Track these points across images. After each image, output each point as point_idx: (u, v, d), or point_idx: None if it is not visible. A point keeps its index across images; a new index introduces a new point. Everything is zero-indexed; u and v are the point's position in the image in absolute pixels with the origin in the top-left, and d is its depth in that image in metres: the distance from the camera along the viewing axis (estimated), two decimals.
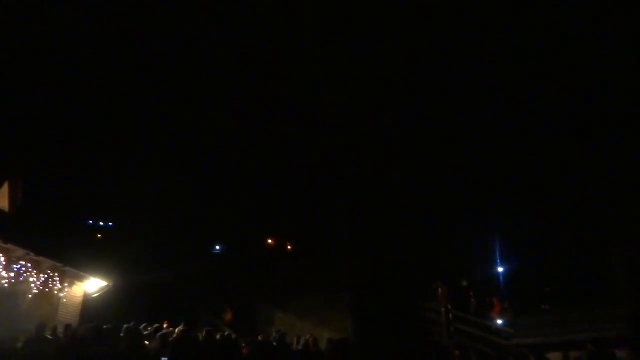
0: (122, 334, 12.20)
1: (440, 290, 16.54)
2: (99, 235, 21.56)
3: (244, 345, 12.84)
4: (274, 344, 12.54)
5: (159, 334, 11.55)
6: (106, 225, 22.39)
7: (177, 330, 11.67)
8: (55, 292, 14.80)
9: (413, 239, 3.29)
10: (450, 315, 15.66)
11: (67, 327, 12.13)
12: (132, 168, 18.17)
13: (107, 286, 16.30)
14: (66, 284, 15.28)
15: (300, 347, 13.66)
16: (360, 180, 3.29)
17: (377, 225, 3.14)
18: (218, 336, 12.83)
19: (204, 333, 12.59)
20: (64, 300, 15.33)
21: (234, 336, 14.36)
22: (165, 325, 13.11)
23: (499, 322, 15.17)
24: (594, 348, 10.29)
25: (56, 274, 14.69)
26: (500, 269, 19.20)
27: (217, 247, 24.49)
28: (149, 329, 12.75)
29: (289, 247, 25.55)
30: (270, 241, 26.06)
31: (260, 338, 12.55)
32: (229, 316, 20.14)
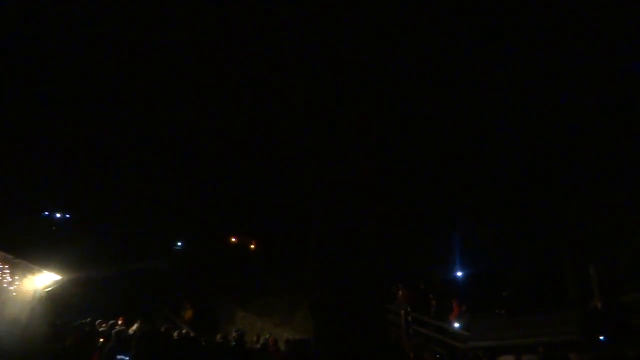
0: (75, 330, 11.83)
1: (400, 292, 16.78)
2: (53, 228, 20.78)
3: (202, 344, 12.68)
4: (233, 343, 12.45)
5: (114, 331, 11.26)
6: (63, 217, 21.61)
7: (135, 327, 11.38)
8: (5, 286, 14.18)
9: (377, 240, 3.32)
10: (409, 318, 15.92)
11: (17, 322, 11.67)
12: (92, 159, 17.61)
13: (61, 280, 15.73)
14: (17, 277, 14.66)
15: (259, 347, 13.60)
16: (327, 181, 3.29)
17: (342, 226, 3.15)
18: (175, 334, 12.63)
19: (162, 330, 12.37)
20: (14, 294, 14.70)
21: (192, 335, 14.15)
22: (120, 322, 12.78)
23: (456, 325, 15.48)
24: (544, 351, 10.65)
25: (6, 267, 14.08)
26: (460, 273, 19.61)
27: (179, 244, 24.04)
28: (104, 325, 12.41)
29: (253, 246, 25.36)
30: (233, 239, 25.80)
31: (218, 337, 12.39)
32: (188, 314, 19.82)
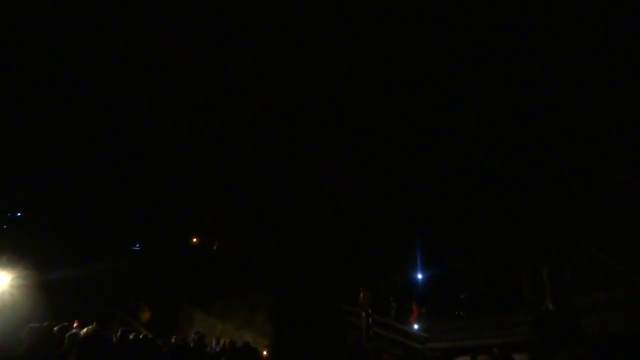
0: (25, 335, 11.31)
1: (361, 294, 16.94)
2: (4, 226, 19.86)
3: (160, 346, 12.39)
4: (191, 345, 12.22)
5: (67, 334, 10.86)
6: (13, 215, 20.68)
7: (85, 330, 11.00)
8: None
9: (336, 244, 3.33)
10: (370, 320, 16.11)
11: None
12: (45, 156, 16.94)
13: (10, 280, 15.03)
14: None
15: (218, 350, 13.42)
16: (284, 184, 3.28)
17: (300, 229, 3.15)
18: (131, 336, 12.28)
19: (118, 333, 12.00)
20: None
21: (148, 336, 13.82)
22: (75, 325, 12.32)
23: (416, 326, 15.76)
24: (497, 352, 10.96)
25: None
26: (420, 276, 19.97)
27: (138, 245, 23.43)
28: (55, 328, 11.94)
29: (215, 247, 25.01)
30: (195, 240, 25.37)
31: (173, 339, 12.14)
32: (146, 316, 19.34)
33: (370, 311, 16.40)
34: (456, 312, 17.18)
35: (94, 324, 11.02)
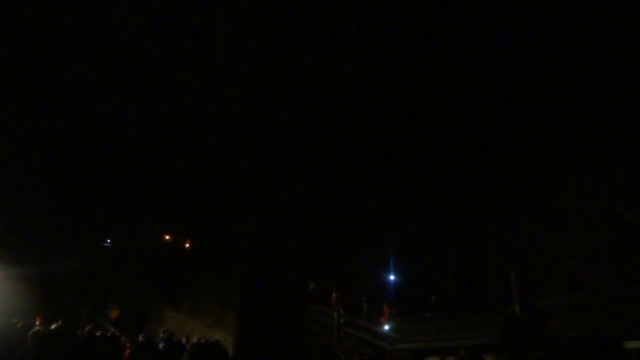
0: None
1: (334, 295, 17.03)
2: None
3: (127, 344, 12.18)
4: (161, 343, 12.06)
5: (30, 332, 10.58)
6: None
7: (50, 328, 10.75)
8: None
9: (304, 244, 3.32)
10: (342, 320, 16.20)
11: None
12: (11, 148, 16.40)
13: None
14: None
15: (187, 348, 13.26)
16: (255, 184, 3.25)
17: (269, 229, 3.13)
18: (98, 334, 12.05)
19: (84, 331, 11.75)
20: None
21: (116, 334, 13.58)
22: (37, 322, 12.01)
23: (386, 327, 15.91)
24: (464, 353, 11.18)
25: None
26: (393, 277, 20.18)
27: (108, 240, 22.90)
28: (19, 325, 11.63)
29: (188, 245, 24.68)
30: (167, 237, 24.99)
31: (141, 337, 11.95)
32: (114, 313, 18.97)
33: (342, 311, 16.49)
34: (426, 314, 17.42)
35: (59, 322, 10.77)
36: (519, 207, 11.90)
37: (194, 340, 13.78)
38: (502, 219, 12.67)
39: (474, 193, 12.53)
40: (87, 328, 11.90)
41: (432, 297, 18.64)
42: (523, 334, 12.17)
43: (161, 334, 12.96)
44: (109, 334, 13.14)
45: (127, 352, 11.52)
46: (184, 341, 14.07)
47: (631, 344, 10.58)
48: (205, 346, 11.47)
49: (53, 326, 10.58)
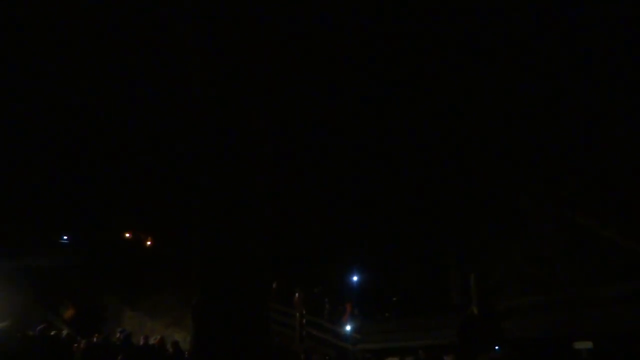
0: None
1: (296, 295, 16.99)
2: None
3: (81, 344, 11.79)
4: (117, 343, 11.73)
5: None
6: None
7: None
8: None
9: (267, 244, 3.30)
10: (304, 321, 16.17)
11: None
12: None
13: None
14: None
15: (145, 349, 12.95)
16: (215, 182, 3.20)
17: (225, 228, 3.09)
18: (52, 333, 11.63)
19: (36, 330, 11.31)
20: None
21: (71, 334, 13.13)
22: None
23: (348, 328, 15.99)
24: (423, 353, 11.36)
25: None
26: (356, 278, 20.31)
27: (65, 238, 22.12)
28: None
29: (149, 242, 24.14)
30: (128, 235, 24.36)
31: (96, 337, 11.59)
32: (69, 313, 18.35)
33: (304, 312, 16.46)
34: (387, 315, 17.61)
35: (7, 321, 10.34)
36: (479, 212, 12.21)
37: (152, 340, 13.50)
38: (463, 223, 12.98)
39: (434, 198, 12.79)
40: (39, 327, 11.46)
41: (394, 298, 18.88)
42: (480, 334, 12.49)
43: (118, 334, 12.61)
44: (63, 334, 12.70)
45: (79, 351, 11.17)
46: (141, 342, 13.75)
47: (580, 344, 11.00)
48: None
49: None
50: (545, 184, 9.58)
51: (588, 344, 10.95)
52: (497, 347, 11.72)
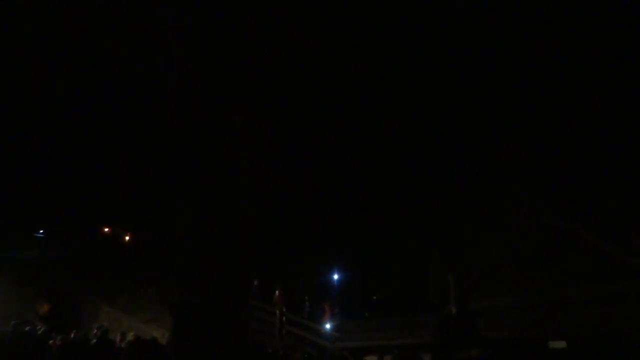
0: None
1: (277, 293, 17.01)
2: None
3: (57, 341, 11.58)
4: (94, 340, 11.56)
5: None
6: None
7: None
8: None
9: (247, 241, 3.27)
10: (284, 318, 16.21)
11: None
12: None
13: None
14: None
15: (123, 345, 12.80)
16: (199, 181, 3.17)
17: (208, 226, 3.06)
18: (27, 329, 11.41)
19: (10, 326, 11.08)
20: None
21: (46, 330, 12.89)
22: None
23: (328, 326, 16.06)
24: (399, 352, 11.48)
25: None
26: (336, 277, 20.40)
27: (41, 231, 21.69)
28: None
29: (127, 238, 23.84)
30: (107, 230, 24.03)
31: (73, 334, 11.41)
32: (44, 309, 18.02)
33: (284, 309, 16.50)
34: (366, 313, 17.72)
35: None
36: (459, 212, 12.37)
37: (130, 337, 13.34)
38: (442, 223, 13.13)
39: (414, 198, 12.91)
40: (12, 323, 11.23)
41: (374, 297, 19.01)
42: (457, 333, 12.67)
43: (95, 330, 12.43)
44: (38, 330, 12.46)
45: (55, 348, 10.98)
46: (118, 338, 13.57)
47: (555, 344, 11.25)
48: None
49: None
50: (524, 186, 9.75)
51: (562, 344, 11.21)
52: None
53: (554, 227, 10.87)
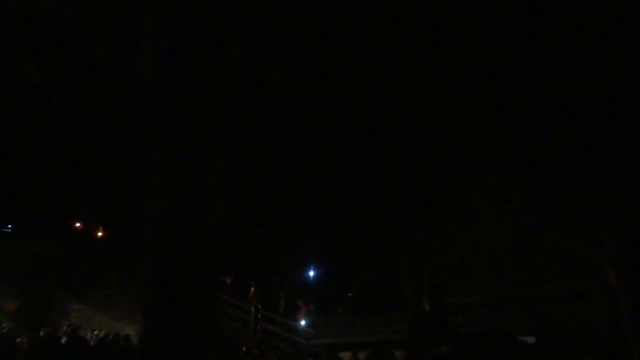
0: None
1: (252, 289, 16.99)
2: None
3: (25, 340, 11.31)
4: (64, 338, 11.35)
5: None
6: None
7: None
8: None
9: (218, 236, 3.24)
10: (259, 315, 16.20)
11: None
12: None
13: None
14: None
15: (94, 343, 12.61)
16: (168, 173, 3.12)
17: (178, 221, 3.02)
18: None
19: None
20: None
21: (11, 328, 12.61)
22: None
23: (303, 322, 16.12)
24: (373, 349, 11.59)
25: None
26: (312, 273, 20.47)
27: (9, 226, 21.10)
28: None
29: (100, 233, 23.37)
30: (78, 224, 23.51)
31: (43, 332, 11.19)
32: (12, 305, 17.59)
33: (259, 306, 16.49)
34: (341, 310, 17.85)
35: None
36: (433, 210, 12.53)
37: (101, 334, 13.15)
38: (417, 221, 13.29)
39: (389, 196, 13.02)
40: None
41: (349, 294, 19.14)
42: (431, 330, 12.86)
43: (65, 328, 12.22)
44: (4, 328, 12.17)
45: (25, 347, 10.72)
46: (89, 336, 13.35)
47: (524, 340, 11.53)
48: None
49: None
50: (495, 186, 9.94)
51: (531, 339, 11.51)
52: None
53: (525, 226, 11.12)
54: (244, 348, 12.78)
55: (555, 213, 9.59)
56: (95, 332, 13.43)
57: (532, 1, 7.77)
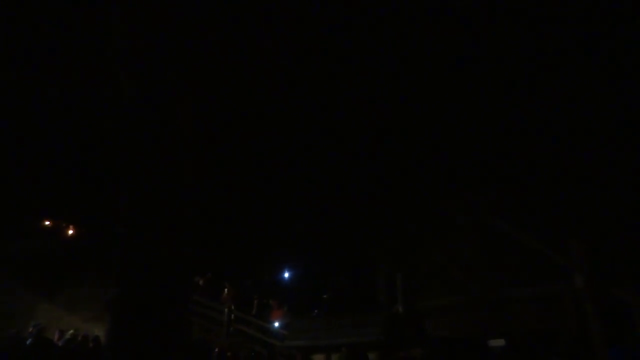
0: None
1: (225, 290, 16.84)
2: None
3: None
4: (29, 339, 11.03)
5: None
6: None
7: None
8: None
9: (188, 236, 3.21)
10: (232, 316, 16.06)
11: None
12: None
13: None
14: None
15: (61, 344, 12.30)
16: (139, 173, 3.06)
17: (150, 220, 2.97)
18: None
19: None
20: None
21: None
22: None
23: (277, 324, 16.04)
24: (346, 350, 11.64)
25: None
26: (287, 275, 20.41)
27: None
28: None
29: (70, 232, 22.81)
30: (47, 222, 22.88)
31: (11, 332, 10.86)
32: None
33: (233, 307, 16.35)
34: (315, 312, 17.81)
35: None
36: (406, 214, 12.68)
37: (69, 335, 12.83)
38: (390, 225, 13.41)
39: (364, 200, 13.13)
40: None
41: (324, 296, 19.12)
42: (403, 332, 12.98)
43: (30, 329, 11.86)
44: None
45: None
46: (56, 336, 13.00)
47: (494, 342, 11.77)
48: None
49: None
50: (467, 190, 10.12)
51: (501, 342, 11.73)
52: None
53: (496, 230, 11.34)
54: (217, 349, 12.67)
55: (526, 219, 9.82)
56: (67, 333, 13.09)
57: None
